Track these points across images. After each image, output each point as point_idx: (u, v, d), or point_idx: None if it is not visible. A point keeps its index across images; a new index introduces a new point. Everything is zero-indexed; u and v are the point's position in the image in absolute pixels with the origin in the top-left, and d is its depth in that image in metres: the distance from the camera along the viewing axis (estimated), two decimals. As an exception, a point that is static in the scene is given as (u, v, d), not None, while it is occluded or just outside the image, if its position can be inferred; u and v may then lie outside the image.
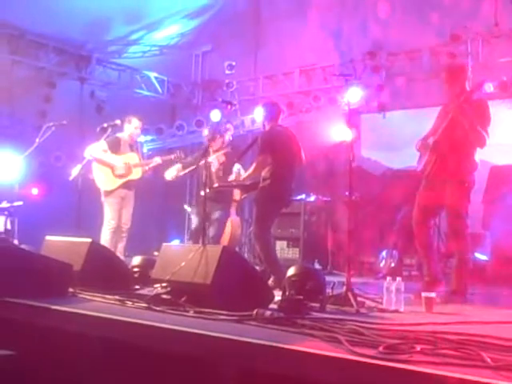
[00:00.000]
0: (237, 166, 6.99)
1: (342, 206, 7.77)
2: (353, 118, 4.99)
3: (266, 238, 5.74)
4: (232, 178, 6.55)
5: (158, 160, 7.23)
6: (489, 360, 2.19)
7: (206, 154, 5.57)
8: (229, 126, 7.56)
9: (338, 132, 8.65)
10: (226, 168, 6.96)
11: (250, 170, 5.89)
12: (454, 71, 5.07)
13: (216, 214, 7.15)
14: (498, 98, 8.10)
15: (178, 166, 7.34)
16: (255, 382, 2.59)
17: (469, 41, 8.64)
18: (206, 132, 8.33)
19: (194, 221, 7.51)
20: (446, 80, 5.00)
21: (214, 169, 6.89)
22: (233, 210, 7.89)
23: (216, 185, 6.51)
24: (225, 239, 7.65)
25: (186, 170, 7.32)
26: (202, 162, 6.95)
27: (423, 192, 5.06)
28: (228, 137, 7.32)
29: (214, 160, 7.01)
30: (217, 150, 7.10)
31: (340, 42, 9.73)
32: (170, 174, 7.36)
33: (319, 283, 4.07)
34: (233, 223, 7.81)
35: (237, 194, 7.72)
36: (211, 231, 7.14)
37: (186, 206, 9.53)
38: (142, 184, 7.38)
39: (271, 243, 6.08)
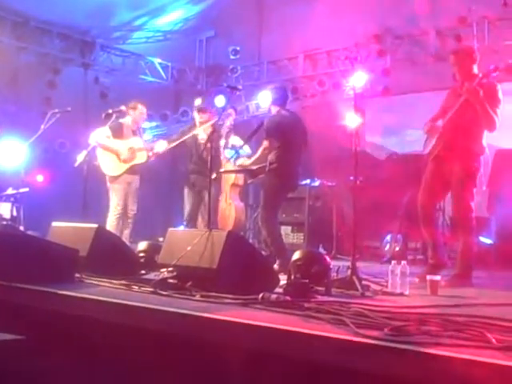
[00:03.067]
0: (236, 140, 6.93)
1: (347, 190, 7.76)
2: (358, 102, 4.95)
3: (273, 222, 5.75)
4: (240, 162, 6.48)
5: (163, 143, 7.22)
6: (494, 341, 2.21)
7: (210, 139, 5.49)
8: (230, 110, 7.50)
9: (342, 117, 8.62)
10: (214, 139, 6.85)
11: (257, 155, 5.89)
12: (462, 53, 5.02)
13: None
14: (504, 80, 8.03)
15: (164, 142, 7.29)
16: (262, 365, 2.61)
17: (474, 24, 8.57)
18: (198, 101, 8.15)
19: (187, 203, 7.30)
20: (455, 63, 4.96)
21: (202, 141, 6.87)
22: (237, 196, 7.88)
23: (223, 169, 6.49)
24: (229, 225, 7.65)
25: (174, 143, 7.22)
26: (189, 135, 6.95)
27: (429, 175, 5.03)
28: (230, 122, 7.27)
29: (201, 132, 6.99)
30: (203, 122, 7.07)
31: (344, 26, 9.65)
32: (161, 146, 7.28)
33: (324, 267, 4.07)
34: (237, 209, 7.80)
35: (240, 179, 7.71)
36: (204, 209, 7.00)
37: None
38: (147, 169, 7.39)
39: (278, 227, 6.07)
